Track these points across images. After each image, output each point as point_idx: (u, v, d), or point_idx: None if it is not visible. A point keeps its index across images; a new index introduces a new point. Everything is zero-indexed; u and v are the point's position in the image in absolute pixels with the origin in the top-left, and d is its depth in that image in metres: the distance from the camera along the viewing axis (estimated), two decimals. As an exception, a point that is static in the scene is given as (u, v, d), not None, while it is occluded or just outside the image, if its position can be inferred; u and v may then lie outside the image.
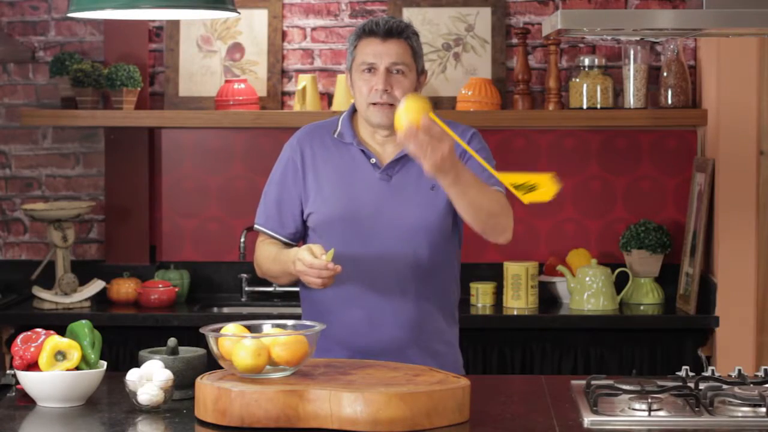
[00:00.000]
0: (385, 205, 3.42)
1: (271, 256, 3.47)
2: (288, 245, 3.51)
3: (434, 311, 3.47)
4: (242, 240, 5.13)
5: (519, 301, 4.91)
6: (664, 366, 4.72)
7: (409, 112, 3.03)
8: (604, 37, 4.99)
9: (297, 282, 3.44)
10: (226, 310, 5.11)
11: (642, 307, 4.95)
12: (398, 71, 3.40)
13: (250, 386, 2.81)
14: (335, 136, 3.49)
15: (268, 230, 3.52)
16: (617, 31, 3.74)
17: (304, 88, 5.07)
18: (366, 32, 3.42)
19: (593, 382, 3.08)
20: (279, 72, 5.23)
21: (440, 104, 5.16)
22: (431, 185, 3.41)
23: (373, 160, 3.45)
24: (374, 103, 3.40)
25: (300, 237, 3.54)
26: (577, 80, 5.07)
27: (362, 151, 3.46)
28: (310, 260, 3.23)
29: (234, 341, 2.90)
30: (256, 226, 3.56)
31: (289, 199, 3.50)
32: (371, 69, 3.40)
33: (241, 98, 5.10)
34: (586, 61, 5.08)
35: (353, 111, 3.53)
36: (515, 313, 4.87)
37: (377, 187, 3.44)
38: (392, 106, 3.38)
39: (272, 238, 3.53)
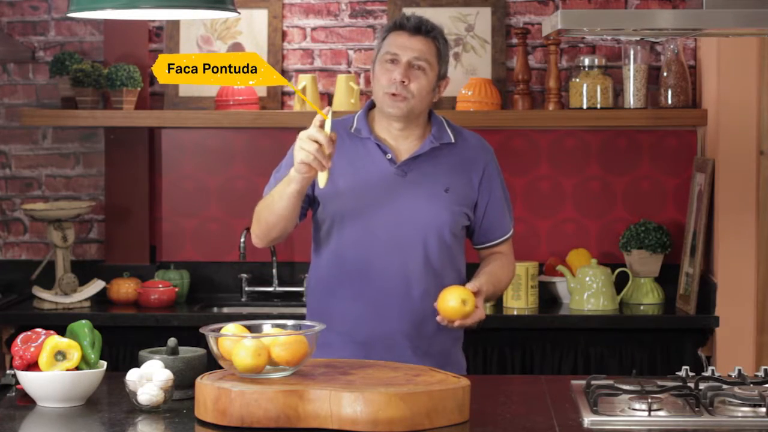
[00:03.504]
0: (399, 199, 3.46)
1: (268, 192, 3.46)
2: None
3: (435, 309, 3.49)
4: (242, 240, 5.13)
5: (519, 301, 4.91)
6: (664, 366, 4.72)
7: (457, 310, 3.32)
8: (604, 37, 4.99)
9: (304, 278, 3.45)
10: (226, 310, 5.11)
11: (642, 307, 4.94)
12: (419, 67, 3.45)
13: (250, 386, 2.81)
14: (351, 131, 3.52)
15: None
16: (617, 31, 3.74)
17: (304, 88, 5.07)
18: (396, 26, 3.49)
19: (593, 382, 3.08)
20: (279, 72, 5.23)
21: (440, 104, 5.16)
22: (445, 187, 3.49)
23: (389, 156, 3.49)
24: (391, 93, 3.44)
25: (304, 215, 3.53)
26: (577, 80, 5.07)
27: (378, 145, 3.50)
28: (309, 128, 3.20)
29: (234, 341, 2.90)
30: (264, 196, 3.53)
31: None
32: (394, 60, 3.45)
33: (241, 98, 5.10)
34: (586, 61, 5.08)
35: (369, 108, 3.56)
36: (515, 313, 4.87)
37: (392, 181, 3.47)
38: (406, 99, 3.44)
39: None
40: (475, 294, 3.34)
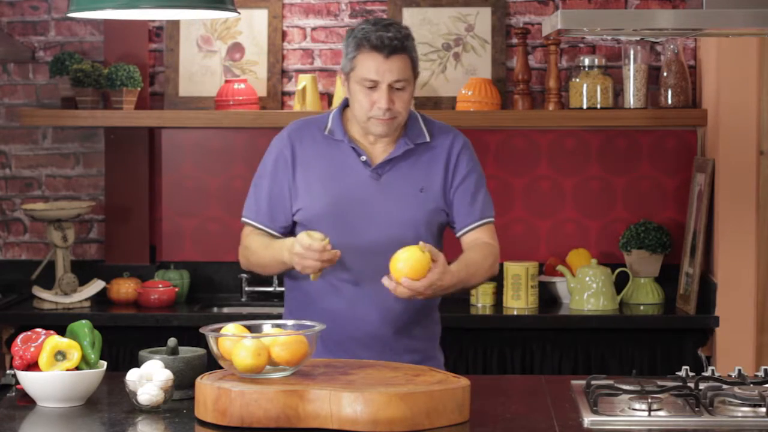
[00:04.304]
0: (374, 202, 3.46)
1: (263, 244, 3.50)
2: (276, 238, 3.54)
3: (417, 308, 3.50)
4: (242, 240, 5.12)
5: (519, 301, 4.91)
6: (664, 366, 4.72)
7: (408, 269, 3.22)
8: (604, 37, 4.99)
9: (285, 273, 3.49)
10: (226, 310, 5.11)
11: (642, 307, 4.94)
12: (400, 87, 3.41)
13: (250, 386, 2.81)
14: (326, 132, 3.51)
15: (259, 224, 3.54)
16: (617, 31, 3.74)
17: (304, 88, 5.07)
18: (369, 46, 3.40)
19: (593, 382, 3.08)
20: (279, 72, 5.23)
21: (440, 104, 5.17)
22: (420, 187, 3.48)
23: (364, 158, 3.48)
24: (378, 119, 3.42)
25: (289, 231, 3.55)
26: (577, 80, 5.07)
27: (353, 148, 3.49)
28: (309, 242, 3.26)
29: (234, 341, 2.90)
30: (244, 219, 3.57)
31: (280, 194, 3.51)
32: (373, 87, 3.41)
33: (241, 98, 5.10)
34: (586, 61, 5.08)
35: (344, 107, 3.55)
36: (515, 313, 4.87)
37: (367, 184, 3.47)
38: (393, 119, 3.43)
39: (261, 231, 3.55)
40: (433, 258, 3.24)
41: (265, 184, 3.54)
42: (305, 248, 3.27)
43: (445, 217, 3.53)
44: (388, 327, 3.48)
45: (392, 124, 3.43)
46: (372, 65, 3.39)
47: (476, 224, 3.53)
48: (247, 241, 3.55)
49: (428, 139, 3.52)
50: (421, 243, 3.27)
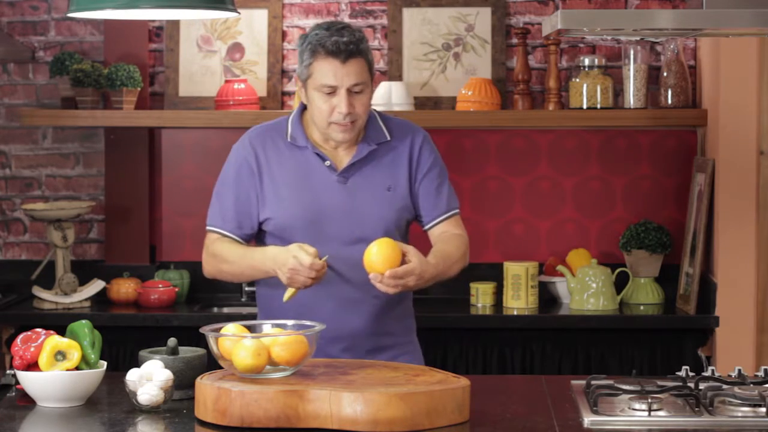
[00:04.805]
0: (343, 206, 3.47)
1: (238, 254, 3.48)
2: (243, 245, 3.54)
3: (392, 306, 3.52)
4: (242, 240, 5.12)
5: (519, 301, 4.90)
6: (664, 366, 4.72)
7: (383, 260, 3.24)
8: (604, 37, 4.99)
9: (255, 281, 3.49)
10: (226, 310, 5.11)
11: (642, 307, 4.94)
12: (359, 90, 3.42)
13: (250, 386, 2.81)
14: (288, 139, 3.51)
15: (226, 232, 3.53)
16: (617, 31, 3.74)
17: (304, 88, 5.07)
18: (325, 52, 3.40)
19: (593, 382, 3.08)
20: (279, 72, 5.23)
21: (440, 104, 5.16)
22: (387, 186, 3.50)
23: (328, 163, 3.49)
24: (339, 124, 3.43)
25: (253, 237, 3.55)
26: (577, 80, 5.07)
27: (317, 154, 3.49)
28: (310, 261, 3.25)
29: (234, 341, 2.90)
30: (210, 227, 3.55)
31: (247, 201, 3.51)
32: (332, 92, 3.41)
33: (241, 98, 5.10)
34: (586, 61, 5.08)
35: (302, 111, 3.55)
36: (515, 313, 4.87)
37: (335, 188, 3.48)
38: (354, 122, 3.44)
39: (228, 238, 3.53)
40: (405, 253, 3.27)
41: (230, 192, 3.54)
42: (307, 266, 3.26)
43: (413, 213, 3.55)
44: (367, 326, 3.48)
45: (353, 129, 3.45)
46: (329, 71, 3.40)
47: (444, 216, 3.56)
48: (216, 249, 3.52)
49: (389, 138, 3.53)
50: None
